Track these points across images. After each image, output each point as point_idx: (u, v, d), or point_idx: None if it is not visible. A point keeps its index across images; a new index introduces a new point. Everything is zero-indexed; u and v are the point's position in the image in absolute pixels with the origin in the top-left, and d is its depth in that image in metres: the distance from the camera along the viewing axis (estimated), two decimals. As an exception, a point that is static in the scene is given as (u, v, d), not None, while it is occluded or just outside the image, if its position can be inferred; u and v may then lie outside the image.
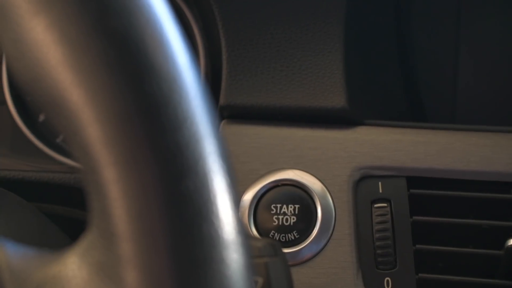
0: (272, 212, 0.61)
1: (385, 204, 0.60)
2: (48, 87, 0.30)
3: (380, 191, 0.61)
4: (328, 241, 0.60)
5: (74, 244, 0.32)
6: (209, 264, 0.28)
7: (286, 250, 0.60)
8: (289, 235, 0.60)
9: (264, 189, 0.62)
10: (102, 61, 0.29)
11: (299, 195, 0.61)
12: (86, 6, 0.29)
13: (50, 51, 0.29)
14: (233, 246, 0.29)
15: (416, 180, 0.61)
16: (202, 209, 0.28)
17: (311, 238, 0.60)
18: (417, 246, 0.59)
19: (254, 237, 0.58)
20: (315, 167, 0.62)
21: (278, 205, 0.61)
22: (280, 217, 0.61)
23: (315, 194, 0.61)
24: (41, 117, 0.75)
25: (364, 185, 0.61)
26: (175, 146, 0.28)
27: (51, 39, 0.29)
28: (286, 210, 0.61)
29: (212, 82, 0.72)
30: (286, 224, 0.61)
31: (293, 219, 0.61)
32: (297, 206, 0.61)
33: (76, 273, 0.31)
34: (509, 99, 0.79)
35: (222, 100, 0.65)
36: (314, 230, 0.60)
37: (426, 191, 0.61)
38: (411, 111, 0.80)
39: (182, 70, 0.30)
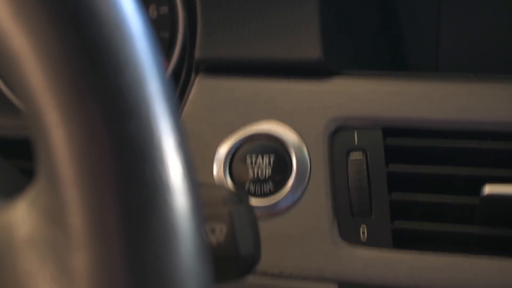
0: (247, 164, 0.61)
1: (360, 155, 0.60)
2: None
3: (356, 141, 0.60)
4: (303, 192, 0.60)
5: (25, 191, 0.32)
6: (151, 208, 0.28)
7: (262, 202, 0.60)
8: (265, 186, 0.60)
9: (240, 142, 0.62)
10: (42, 6, 0.28)
11: (274, 147, 0.61)
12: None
13: (-10, -2, 0.29)
14: (178, 191, 0.29)
15: (392, 130, 0.61)
16: (144, 153, 0.28)
17: (287, 189, 0.60)
18: (393, 194, 0.59)
19: (219, 186, 0.58)
20: (290, 119, 0.62)
21: (254, 157, 0.61)
22: (256, 169, 0.61)
23: (290, 146, 0.61)
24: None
25: (340, 136, 0.61)
26: (117, 90, 0.28)
27: None
28: (261, 162, 0.61)
29: (190, 35, 0.71)
30: (261, 176, 0.61)
31: (269, 170, 0.60)
32: (272, 158, 0.61)
33: (25, 219, 0.31)
34: (493, 49, 0.78)
35: (197, 54, 0.64)
36: (290, 181, 0.60)
37: (402, 141, 0.60)
38: (394, 63, 0.80)
39: (124, 14, 0.30)
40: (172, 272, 0.28)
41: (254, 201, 0.60)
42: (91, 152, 0.28)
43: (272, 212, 0.60)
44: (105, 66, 0.28)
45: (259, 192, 0.60)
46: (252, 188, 0.60)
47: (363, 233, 0.59)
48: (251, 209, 0.44)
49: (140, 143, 0.28)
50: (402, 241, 0.59)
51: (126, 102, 0.28)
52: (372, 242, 0.58)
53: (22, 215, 0.31)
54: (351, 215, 0.59)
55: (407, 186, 0.60)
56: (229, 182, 0.61)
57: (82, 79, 0.28)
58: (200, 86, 0.64)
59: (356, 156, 0.60)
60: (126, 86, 0.28)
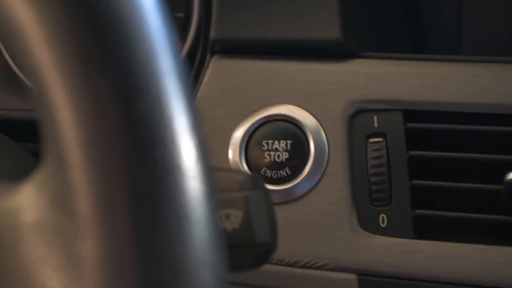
0: (263, 148, 0.59)
1: (380, 139, 0.58)
2: None
3: (376, 125, 0.59)
4: (321, 177, 0.58)
5: (32, 174, 0.31)
6: (162, 191, 0.26)
7: (278, 187, 0.59)
8: (281, 171, 0.59)
9: (256, 125, 0.60)
10: (47, -25, 0.27)
11: (292, 131, 0.59)
12: None
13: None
14: (190, 173, 0.27)
15: (413, 114, 0.59)
16: (155, 132, 0.27)
17: (304, 175, 0.58)
18: (414, 181, 0.57)
19: (234, 170, 0.57)
20: (308, 102, 0.60)
21: (270, 141, 0.59)
22: (272, 153, 0.59)
23: (308, 129, 0.59)
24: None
25: (359, 119, 0.59)
26: (125, 66, 0.26)
27: None
28: (278, 146, 0.59)
29: (206, 15, 0.69)
30: (278, 160, 0.59)
31: (285, 155, 0.59)
32: (289, 142, 0.59)
33: (32, 203, 0.29)
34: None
35: (212, 34, 0.63)
36: (307, 166, 0.58)
37: (423, 125, 0.59)
38: (414, 47, 0.77)
39: (134, -14, 0.28)
40: (184, 259, 0.27)
41: (270, 186, 0.59)
42: (99, 133, 0.26)
43: (289, 197, 0.58)
44: (113, 39, 0.26)
45: (276, 177, 0.59)
46: (268, 173, 0.59)
47: (383, 221, 0.57)
48: (267, 194, 0.42)
49: (151, 122, 0.27)
50: (423, 229, 0.57)
51: (135, 79, 0.27)
52: (392, 230, 0.57)
53: (29, 199, 0.29)
54: (370, 202, 0.58)
55: (428, 173, 0.58)
56: (244, 166, 0.59)
57: (89, 54, 0.26)
58: (216, 67, 0.63)
59: (376, 141, 0.58)
60: (135, 61, 0.27)
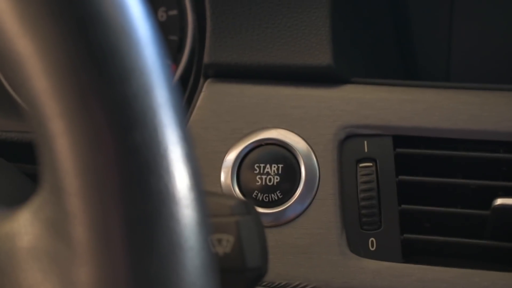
0: (255, 172, 0.60)
1: (370, 164, 0.59)
2: None
3: (366, 150, 0.59)
4: (312, 201, 0.59)
5: (28, 200, 0.31)
6: (157, 219, 0.27)
7: (269, 211, 0.59)
8: (273, 195, 0.59)
9: (248, 149, 0.61)
10: (47, 10, 0.28)
11: (283, 155, 0.60)
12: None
13: (-6, 0, 0.28)
14: (184, 202, 0.28)
15: (403, 139, 0.60)
16: (150, 162, 0.27)
17: (295, 198, 0.59)
18: (403, 206, 0.58)
19: (225, 195, 0.57)
20: (299, 126, 0.61)
21: (262, 165, 0.60)
22: (264, 177, 0.60)
23: (299, 154, 0.60)
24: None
25: (349, 144, 0.60)
26: (122, 98, 0.27)
27: None
28: (269, 170, 0.60)
29: (200, 39, 0.70)
30: (269, 184, 0.60)
31: (277, 179, 0.60)
32: (280, 165, 0.60)
33: (28, 229, 0.30)
34: (504, 58, 0.77)
35: (206, 59, 0.64)
36: (298, 190, 0.59)
37: (412, 150, 0.59)
38: (405, 73, 0.79)
39: (131, 20, 0.29)
40: (177, 286, 0.27)
41: (262, 210, 0.59)
42: (96, 162, 0.27)
43: (280, 221, 0.59)
44: (110, 72, 0.27)
45: (267, 200, 0.59)
46: (259, 196, 0.59)
47: (372, 244, 0.58)
48: (258, 219, 0.43)
49: (146, 152, 0.27)
50: (412, 253, 0.58)
51: (132, 110, 0.27)
52: (381, 254, 0.57)
53: (25, 225, 0.30)
54: (360, 226, 0.58)
55: (417, 198, 0.59)
56: (236, 189, 0.60)
57: (87, 86, 0.27)
58: (209, 91, 0.63)
59: (366, 165, 0.59)
60: (132, 93, 0.27)
